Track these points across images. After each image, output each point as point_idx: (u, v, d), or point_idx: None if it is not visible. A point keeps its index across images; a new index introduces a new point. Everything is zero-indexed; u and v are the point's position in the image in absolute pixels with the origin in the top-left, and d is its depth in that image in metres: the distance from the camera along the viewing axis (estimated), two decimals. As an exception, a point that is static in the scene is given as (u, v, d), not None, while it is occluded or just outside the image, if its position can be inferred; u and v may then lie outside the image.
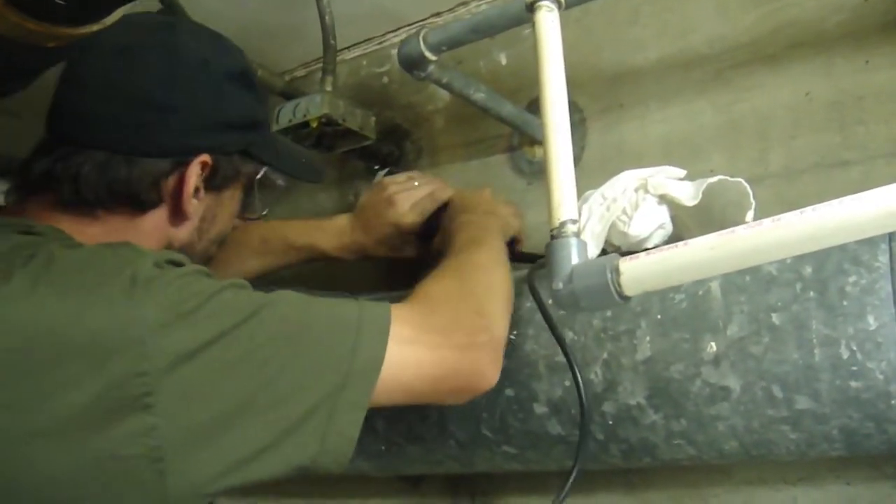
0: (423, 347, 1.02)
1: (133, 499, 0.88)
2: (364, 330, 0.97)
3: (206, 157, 1.12)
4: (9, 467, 0.84)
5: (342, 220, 1.56)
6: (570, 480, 1.13)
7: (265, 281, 1.46)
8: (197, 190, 1.13)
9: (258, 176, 1.26)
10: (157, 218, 1.12)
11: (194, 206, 1.13)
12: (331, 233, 1.55)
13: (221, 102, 1.14)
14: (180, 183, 1.11)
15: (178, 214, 1.13)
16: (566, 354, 1.15)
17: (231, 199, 1.23)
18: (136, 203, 1.09)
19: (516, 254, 1.45)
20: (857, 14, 1.34)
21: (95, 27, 0.81)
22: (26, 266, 0.90)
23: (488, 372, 1.09)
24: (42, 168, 1.07)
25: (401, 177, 1.56)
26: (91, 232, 1.06)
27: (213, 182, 1.16)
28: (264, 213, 1.36)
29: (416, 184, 1.53)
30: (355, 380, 0.95)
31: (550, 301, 1.21)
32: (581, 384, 1.13)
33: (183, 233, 1.16)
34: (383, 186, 1.53)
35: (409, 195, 1.50)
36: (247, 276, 1.37)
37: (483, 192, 1.49)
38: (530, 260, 1.41)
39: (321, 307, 1.00)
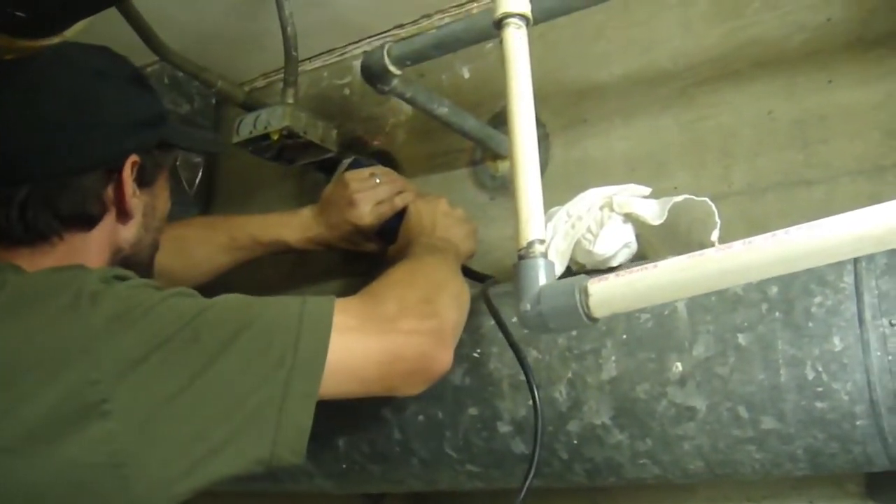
0: (368, 334, 1.06)
1: None
2: (306, 322, 1.00)
3: (135, 157, 1.16)
4: None
5: (305, 214, 1.61)
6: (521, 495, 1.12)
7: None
8: (134, 191, 1.17)
9: (177, 161, 1.36)
10: (105, 227, 1.16)
11: (135, 204, 1.18)
12: (295, 227, 1.60)
13: (130, 105, 1.18)
14: (119, 188, 1.15)
15: (123, 217, 1.18)
16: (520, 360, 1.15)
17: (162, 188, 1.28)
18: (86, 220, 1.13)
19: (465, 271, 1.44)
20: (821, 34, 1.35)
21: (55, 39, 0.80)
22: None
23: (438, 355, 1.12)
24: None
25: (363, 173, 1.57)
26: (48, 259, 1.10)
27: (144, 178, 1.20)
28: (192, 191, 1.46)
29: (378, 181, 1.55)
30: (301, 370, 0.98)
31: (514, 319, 1.21)
32: (537, 398, 1.12)
33: (130, 232, 1.20)
34: (345, 184, 1.55)
35: (369, 196, 1.53)
36: (218, 271, 1.61)
37: (439, 205, 1.49)
38: (478, 279, 1.41)
39: (263, 305, 1.03)
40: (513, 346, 1.16)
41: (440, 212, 1.47)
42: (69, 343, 0.92)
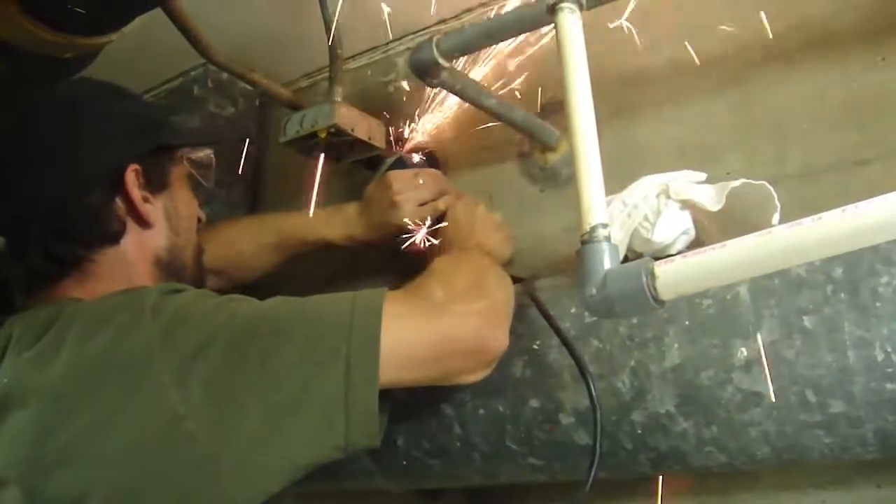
0: (419, 318, 1.09)
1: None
2: (357, 312, 1.03)
3: (134, 166, 1.18)
4: (85, 489, 0.94)
5: (350, 212, 1.61)
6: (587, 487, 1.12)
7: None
8: (145, 198, 1.20)
9: (184, 159, 1.32)
10: (132, 238, 1.19)
11: (151, 210, 1.21)
12: (339, 226, 1.61)
13: (114, 119, 1.21)
14: (127, 199, 1.18)
15: (142, 224, 1.21)
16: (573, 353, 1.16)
17: (180, 189, 1.29)
18: (107, 237, 1.17)
19: None
20: (872, 11, 1.33)
21: (114, 37, 0.80)
22: (56, 323, 1.04)
23: (492, 334, 1.13)
24: (15, 280, 1.17)
25: (407, 173, 1.57)
26: (95, 281, 1.15)
27: (153, 184, 1.23)
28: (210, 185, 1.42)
29: (421, 182, 1.55)
30: (358, 357, 1.00)
31: (573, 310, 1.20)
32: (593, 389, 1.13)
33: (161, 239, 1.23)
34: (388, 184, 1.55)
35: (411, 197, 1.53)
36: (267, 269, 1.64)
37: (477, 210, 1.49)
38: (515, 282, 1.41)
39: (316, 301, 1.08)
40: (563, 340, 1.17)
41: (478, 217, 1.47)
42: (138, 354, 0.97)
